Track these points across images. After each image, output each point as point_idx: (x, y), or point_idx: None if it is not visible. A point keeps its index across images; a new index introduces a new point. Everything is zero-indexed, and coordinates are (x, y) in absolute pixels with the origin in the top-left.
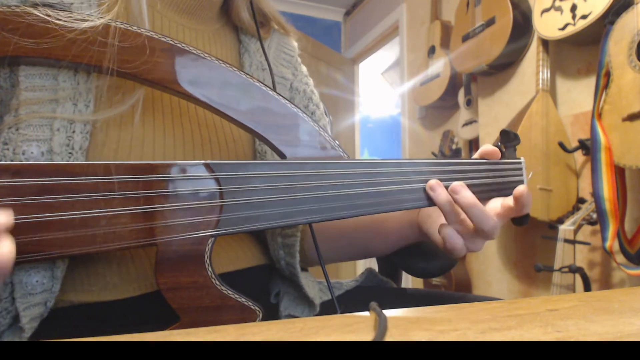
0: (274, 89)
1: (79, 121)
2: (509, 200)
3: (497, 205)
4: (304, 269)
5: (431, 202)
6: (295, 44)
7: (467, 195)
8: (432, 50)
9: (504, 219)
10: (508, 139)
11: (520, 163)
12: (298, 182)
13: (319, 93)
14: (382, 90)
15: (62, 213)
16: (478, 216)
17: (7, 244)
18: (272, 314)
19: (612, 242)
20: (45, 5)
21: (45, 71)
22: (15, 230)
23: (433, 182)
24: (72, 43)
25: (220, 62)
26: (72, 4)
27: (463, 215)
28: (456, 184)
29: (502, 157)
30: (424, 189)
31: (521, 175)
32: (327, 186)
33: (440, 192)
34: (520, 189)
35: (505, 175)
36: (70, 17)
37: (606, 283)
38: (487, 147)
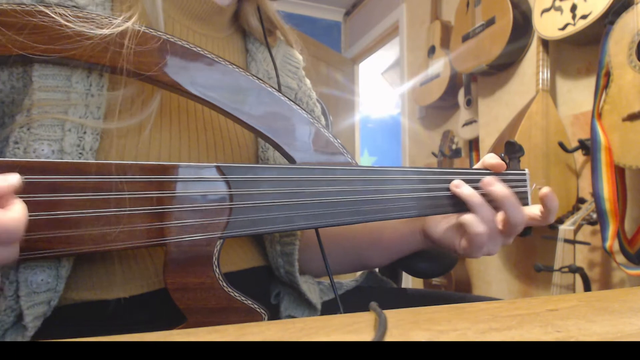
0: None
1: (90, 127)
2: (534, 209)
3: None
4: (303, 272)
5: (440, 210)
6: (300, 57)
7: (502, 187)
8: (432, 50)
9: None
10: (513, 150)
11: (524, 175)
12: (306, 187)
13: (319, 93)
14: (382, 90)
15: (73, 211)
16: (512, 206)
17: (19, 207)
18: (272, 314)
19: (612, 242)
20: (60, 5)
21: (58, 71)
22: (25, 227)
23: (457, 181)
24: (88, 44)
25: (234, 66)
26: (87, 5)
27: (489, 213)
28: (489, 178)
29: (507, 168)
30: (446, 189)
31: (525, 186)
32: (335, 192)
33: (464, 187)
34: (544, 190)
35: (510, 187)
36: (88, 20)
37: (606, 283)
38: (491, 159)
